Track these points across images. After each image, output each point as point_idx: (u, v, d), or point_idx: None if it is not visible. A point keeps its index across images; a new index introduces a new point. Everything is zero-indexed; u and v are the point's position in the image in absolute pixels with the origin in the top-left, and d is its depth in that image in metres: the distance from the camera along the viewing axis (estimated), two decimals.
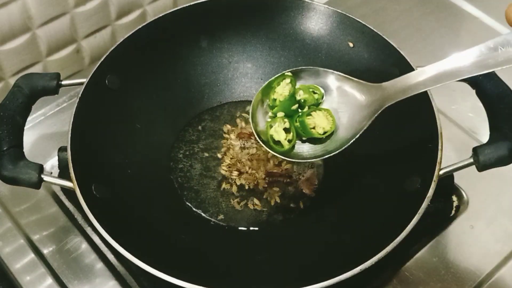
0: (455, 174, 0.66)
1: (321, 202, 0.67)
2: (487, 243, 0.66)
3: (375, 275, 0.63)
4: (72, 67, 0.84)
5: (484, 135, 0.60)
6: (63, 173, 0.68)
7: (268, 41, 0.75)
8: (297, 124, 0.61)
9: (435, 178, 0.56)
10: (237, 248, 0.64)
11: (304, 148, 0.61)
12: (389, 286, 0.63)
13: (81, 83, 0.64)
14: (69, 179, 0.57)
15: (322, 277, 0.51)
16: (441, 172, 0.57)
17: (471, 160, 0.57)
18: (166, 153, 0.71)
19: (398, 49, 0.67)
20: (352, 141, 0.58)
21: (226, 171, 0.70)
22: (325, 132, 0.60)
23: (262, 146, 0.60)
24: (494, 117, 0.59)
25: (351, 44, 0.71)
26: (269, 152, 0.60)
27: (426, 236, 0.66)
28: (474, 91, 0.62)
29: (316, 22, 0.73)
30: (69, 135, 0.60)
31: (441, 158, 0.58)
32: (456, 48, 0.85)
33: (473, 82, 0.62)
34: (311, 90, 0.61)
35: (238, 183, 0.68)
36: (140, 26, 0.69)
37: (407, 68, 0.64)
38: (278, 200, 0.67)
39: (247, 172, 0.69)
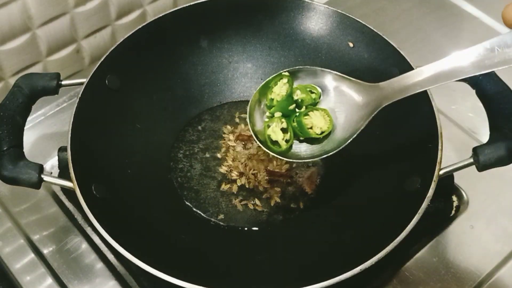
0: (455, 174, 0.66)
1: (321, 202, 0.67)
2: (487, 243, 0.66)
3: (375, 275, 0.63)
4: (72, 67, 0.84)
5: (484, 135, 0.60)
6: (63, 173, 0.68)
7: (268, 41, 0.75)
8: (295, 124, 0.61)
9: (435, 178, 0.56)
10: (237, 248, 0.64)
11: (301, 148, 0.61)
12: (389, 286, 0.63)
13: (81, 83, 0.64)
14: (69, 179, 0.57)
15: (322, 277, 0.51)
16: (441, 172, 0.57)
17: (471, 160, 0.57)
18: (166, 153, 0.71)
19: (398, 49, 0.67)
20: (349, 141, 0.58)
21: (226, 171, 0.70)
22: (322, 132, 0.60)
23: (260, 146, 0.60)
24: (494, 117, 0.59)
25: (351, 44, 0.71)
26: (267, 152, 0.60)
27: (426, 236, 0.66)
28: (474, 91, 0.62)
29: (316, 22, 0.73)
30: (69, 135, 0.60)
31: (441, 158, 0.58)
32: (456, 48, 0.85)
33: (473, 82, 0.62)
34: (308, 89, 0.61)
35: (238, 184, 0.68)
36: (140, 26, 0.69)
37: (407, 68, 0.64)
38: (278, 200, 0.67)
39: (247, 172, 0.69)
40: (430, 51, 0.85)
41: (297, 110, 0.61)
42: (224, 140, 0.72)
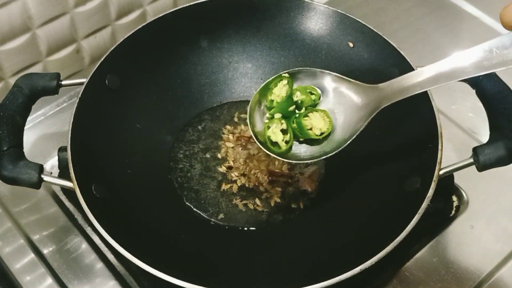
0: (455, 174, 0.66)
1: (321, 202, 0.67)
2: (487, 243, 0.66)
3: (375, 275, 0.63)
4: (72, 67, 0.84)
5: (484, 135, 0.61)
6: (63, 173, 0.68)
7: (268, 41, 0.75)
8: (294, 125, 0.61)
9: (435, 178, 0.56)
10: (237, 248, 0.64)
11: (301, 149, 0.61)
12: (389, 286, 0.63)
13: (81, 83, 0.64)
14: (69, 179, 0.57)
15: (322, 277, 0.51)
16: (441, 172, 0.57)
17: (471, 160, 0.57)
18: (166, 153, 0.71)
19: (398, 49, 0.67)
20: (349, 142, 0.58)
21: (226, 171, 0.70)
22: (322, 133, 0.60)
23: (260, 147, 0.60)
24: (494, 117, 0.59)
25: (351, 44, 0.71)
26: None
27: (426, 236, 0.67)
28: (474, 91, 0.62)
29: (316, 22, 0.73)
30: (69, 135, 0.60)
31: (441, 158, 0.58)
32: (456, 48, 0.85)
33: (473, 82, 0.62)
34: (308, 91, 0.62)
35: (239, 184, 0.68)
36: (140, 26, 0.69)
37: (407, 68, 0.65)
38: (278, 200, 0.67)
39: (248, 173, 0.69)
40: (430, 51, 0.85)
41: (297, 111, 0.61)
42: (224, 140, 0.72)
